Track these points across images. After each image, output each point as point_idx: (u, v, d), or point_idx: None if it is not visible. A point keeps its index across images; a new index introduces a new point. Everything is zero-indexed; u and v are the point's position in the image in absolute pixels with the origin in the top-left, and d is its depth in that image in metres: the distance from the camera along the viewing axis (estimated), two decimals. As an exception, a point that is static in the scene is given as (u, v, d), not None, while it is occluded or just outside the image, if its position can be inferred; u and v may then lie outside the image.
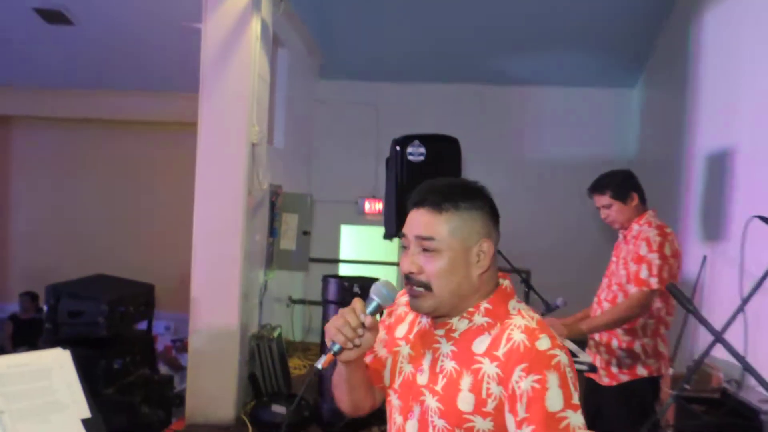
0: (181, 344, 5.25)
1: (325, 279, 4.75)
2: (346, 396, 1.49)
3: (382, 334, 1.50)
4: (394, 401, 1.43)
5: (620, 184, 3.03)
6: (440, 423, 1.30)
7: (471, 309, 1.33)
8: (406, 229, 1.35)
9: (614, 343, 3.01)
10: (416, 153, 4.48)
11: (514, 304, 1.34)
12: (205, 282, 4.53)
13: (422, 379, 1.36)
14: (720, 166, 5.54)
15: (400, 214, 4.63)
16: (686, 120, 6.32)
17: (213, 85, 4.60)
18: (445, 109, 7.87)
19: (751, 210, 5.00)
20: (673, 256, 2.88)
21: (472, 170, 7.28)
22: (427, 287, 1.31)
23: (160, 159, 8.65)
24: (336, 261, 7.86)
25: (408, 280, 1.34)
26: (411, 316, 1.47)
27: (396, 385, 1.42)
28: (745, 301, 2.10)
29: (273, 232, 5.67)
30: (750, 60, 5.26)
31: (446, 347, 1.34)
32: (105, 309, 3.83)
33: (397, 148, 4.58)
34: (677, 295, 1.99)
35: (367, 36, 7.41)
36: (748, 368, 1.76)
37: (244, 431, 4.29)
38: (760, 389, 4.48)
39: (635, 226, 3.01)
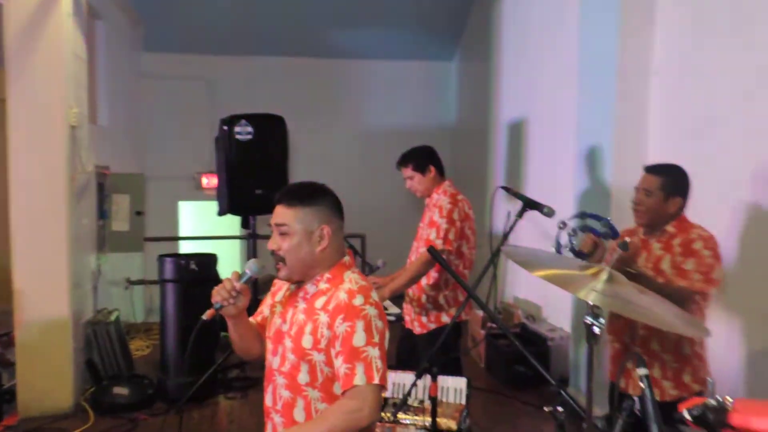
0: (6, 339, 4.99)
1: (161, 258, 4.79)
2: (237, 344, 1.96)
3: (268, 299, 2.02)
4: (268, 345, 1.92)
5: (420, 158, 3.47)
6: (291, 357, 1.79)
7: (318, 277, 1.84)
8: (272, 219, 1.85)
9: (423, 297, 3.47)
10: (244, 132, 4.64)
11: (349, 273, 1.84)
12: (30, 272, 4.36)
13: (285, 327, 1.86)
14: (517, 133, 6.32)
15: (232, 192, 4.79)
16: (493, 92, 7.05)
17: (21, 66, 4.34)
18: (277, 83, 7.98)
19: (541, 170, 5.84)
20: (462, 219, 3.37)
21: (306, 143, 7.57)
22: (283, 261, 1.82)
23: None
24: (176, 239, 7.76)
25: (273, 255, 1.84)
26: (285, 285, 1.96)
27: (270, 333, 1.92)
28: (494, 256, 2.55)
29: (103, 214, 5.53)
30: (534, 42, 6.02)
31: (301, 305, 1.85)
32: None
33: (225, 127, 4.70)
34: (437, 257, 2.38)
35: (192, 6, 7.26)
36: (485, 309, 2.19)
37: (85, 417, 4.27)
38: (551, 321, 5.34)
39: (435, 196, 3.48)
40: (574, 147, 4.61)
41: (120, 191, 5.71)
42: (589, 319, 1.54)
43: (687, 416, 1.26)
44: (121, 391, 4.44)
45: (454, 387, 3.13)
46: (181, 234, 8.13)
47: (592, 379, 1.59)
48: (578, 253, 2.70)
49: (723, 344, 3.36)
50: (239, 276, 1.84)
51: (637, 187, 2.59)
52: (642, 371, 1.39)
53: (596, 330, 1.53)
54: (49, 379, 4.36)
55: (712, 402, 1.25)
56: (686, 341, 2.44)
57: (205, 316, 1.81)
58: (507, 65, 6.72)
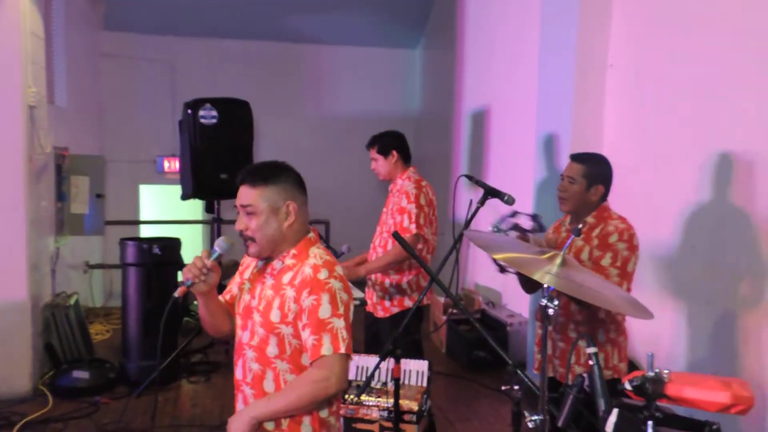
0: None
1: (123, 242, 4.74)
2: (208, 322, 2.01)
3: (236, 278, 2.06)
4: (238, 321, 1.97)
5: (385, 142, 3.56)
6: (260, 330, 1.85)
7: (284, 254, 1.88)
8: (237, 201, 1.88)
9: (386, 281, 3.54)
10: (208, 116, 4.60)
11: (314, 249, 1.89)
12: (-14, 255, 4.28)
13: (254, 303, 1.90)
14: (479, 122, 6.44)
15: (197, 176, 4.76)
16: (455, 81, 7.15)
17: (-24, 43, 4.23)
18: (240, 66, 7.92)
19: (503, 159, 5.97)
20: (428, 205, 3.47)
21: (269, 128, 7.54)
22: (252, 239, 1.85)
23: None
24: (136, 222, 7.66)
25: (241, 235, 1.88)
26: (254, 262, 2.00)
27: (239, 310, 1.97)
28: (457, 241, 2.61)
29: (61, 196, 5.42)
30: (497, 33, 6.12)
31: (269, 280, 1.89)
32: None
33: (189, 111, 4.65)
34: (402, 242, 2.44)
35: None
36: (449, 294, 2.27)
37: (44, 401, 4.23)
38: (510, 307, 5.50)
39: (399, 181, 3.55)
40: (534, 136, 4.74)
41: (79, 173, 5.60)
42: (544, 301, 1.64)
43: (628, 387, 1.36)
44: (81, 374, 4.40)
45: (416, 370, 3.23)
46: (142, 218, 8.02)
47: (546, 358, 1.69)
48: None
49: (670, 325, 3.56)
50: (209, 253, 1.89)
51: (562, 174, 2.62)
52: (591, 349, 1.50)
53: (551, 311, 1.63)
54: (6, 364, 4.29)
55: (651, 374, 1.36)
56: (601, 329, 2.53)
57: (176, 294, 1.86)
58: (470, 54, 6.81)
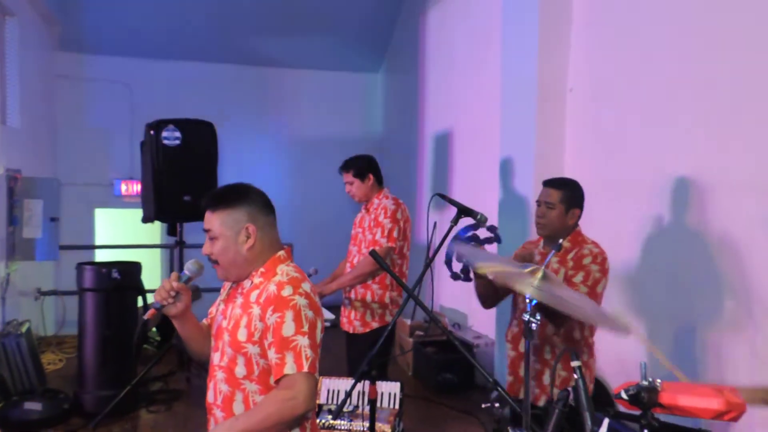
0: None
1: (80, 266, 4.56)
2: (189, 345, 2.01)
3: (217, 300, 2.05)
4: (212, 342, 1.96)
5: (360, 166, 3.65)
6: (229, 351, 1.83)
7: (253, 273, 1.87)
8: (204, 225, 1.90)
9: (368, 296, 3.55)
10: (171, 137, 4.53)
11: (282, 267, 1.86)
12: (-69, 281, 4.06)
13: (225, 323, 1.89)
14: (442, 145, 6.52)
15: (159, 198, 4.66)
16: (417, 104, 7.25)
17: (-74, 59, 4.07)
18: (202, 89, 7.82)
19: (466, 180, 6.05)
20: (404, 221, 3.58)
21: (234, 151, 7.46)
22: (217, 263, 1.87)
23: None
24: (91, 247, 7.41)
25: (209, 259, 1.89)
26: (229, 283, 2.00)
27: (213, 331, 1.97)
28: (430, 260, 2.61)
29: (13, 220, 5.22)
30: (458, 57, 6.26)
31: (239, 300, 1.88)
32: None
33: (152, 132, 4.57)
34: (379, 261, 2.44)
35: (112, 7, 7.02)
36: (427, 312, 2.27)
37: (-7, 436, 4.00)
38: (476, 329, 5.52)
39: (375, 200, 3.65)
40: (496, 158, 4.83)
41: (32, 196, 5.40)
42: (526, 317, 1.65)
43: (624, 396, 1.38)
44: (33, 406, 4.18)
45: (387, 392, 3.20)
46: (97, 242, 7.76)
47: (529, 374, 1.69)
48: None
49: (634, 342, 3.63)
50: (178, 276, 1.89)
51: (539, 200, 2.67)
52: (575, 363, 1.51)
53: (533, 326, 1.64)
54: (-49, 397, 4.06)
55: (645, 383, 1.38)
56: (577, 351, 2.54)
57: (145, 316, 1.87)
58: (432, 78, 6.92)
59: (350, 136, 8.30)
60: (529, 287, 1.62)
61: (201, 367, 4.53)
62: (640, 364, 1.43)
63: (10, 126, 5.83)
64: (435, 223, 6.23)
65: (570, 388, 1.54)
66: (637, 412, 1.39)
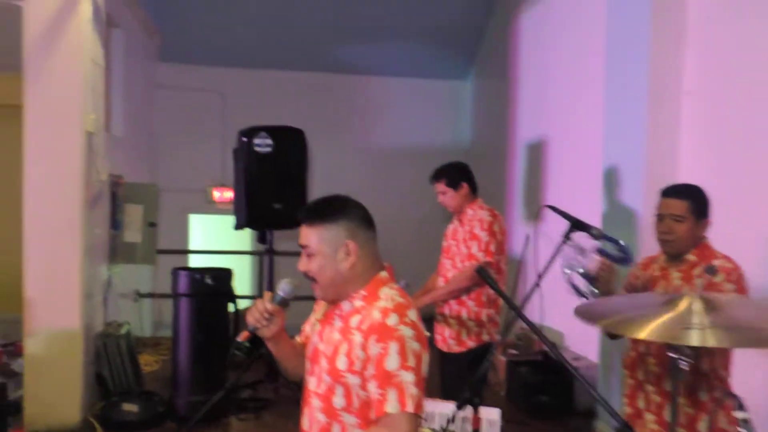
0: (12, 348, 4.85)
1: (175, 271, 4.65)
2: (283, 365, 1.93)
3: (311, 317, 1.94)
4: (306, 365, 1.84)
5: (453, 174, 3.47)
6: (327, 378, 1.71)
7: (353, 294, 1.74)
8: (299, 240, 1.78)
9: (464, 314, 3.38)
10: (263, 144, 4.54)
11: (386, 290, 1.72)
12: (42, 281, 4.23)
13: (321, 346, 1.77)
14: (536, 153, 6.22)
15: (251, 205, 4.67)
16: (509, 112, 6.98)
17: (39, 70, 4.25)
18: (291, 98, 7.91)
19: (561, 192, 5.73)
20: (501, 233, 3.39)
21: (320, 159, 7.45)
22: (314, 280, 1.74)
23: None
24: (186, 252, 7.64)
25: (306, 276, 1.77)
26: (325, 303, 1.87)
27: (308, 353, 1.85)
28: (540, 278, 2.45)
29: (115, 224, 5.41)
30: (555, 61, 5.96)
31: (337, 323, 1.75)
32: None
33: (244, 139, 4.60)
34: (484, 276, 2.24)
35: (209, 18, 7.23)
36: (538, 334, 2.07)
37: (92, 434, 4.12)
38: (573, 350, 5.19)
39: (469, 211, 3.45)
40: (598, 168, 4.51)
41: (133, 201, 5.59)
42: (674, 353, 1.41)
43: None
44: (130, 407, 4.29)
45: (486, 418, 2.99)
46: (190, 247, 8.00)
47: (676, 419, 1.45)
48: (586, 276, 2.53)
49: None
50: (272, 297, 1.79)
51: (660, 214, 2.36)
52: (741, 414, 1.27)
53: (683, 365, 1.40)
54: (57, 393, 4.21)
55: None
56: (704, 386, 2.22)
57: (239, 338, 1.77)
58: (525, 85, 6.65)
59: (437, 145, 8.14)
60: (695, 331, 1.27)
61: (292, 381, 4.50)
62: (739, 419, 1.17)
63: (113, 134, 6.08)
64: (528, 236, 5.97)
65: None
66: None
